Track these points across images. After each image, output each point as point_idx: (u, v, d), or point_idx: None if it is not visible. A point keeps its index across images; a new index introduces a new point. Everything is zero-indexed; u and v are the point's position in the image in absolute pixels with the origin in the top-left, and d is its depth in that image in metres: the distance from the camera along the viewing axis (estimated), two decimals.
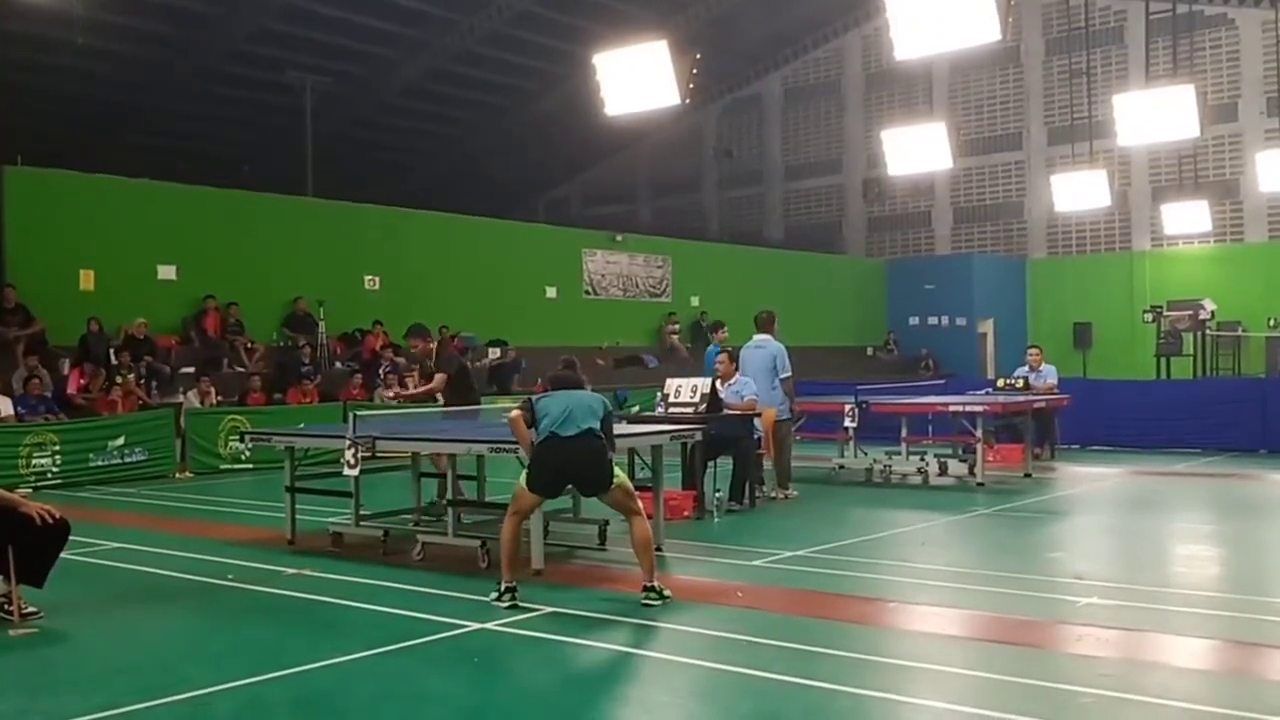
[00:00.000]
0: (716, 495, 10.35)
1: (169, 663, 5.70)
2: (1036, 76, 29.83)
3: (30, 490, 11.79)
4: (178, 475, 14.66)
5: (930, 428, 14.49)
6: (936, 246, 31.70)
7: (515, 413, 6.89)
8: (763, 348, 11.50)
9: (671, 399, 10.66)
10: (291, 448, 9.53)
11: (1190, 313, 23.78)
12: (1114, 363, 26.70)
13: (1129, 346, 27.20)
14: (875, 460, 13.13)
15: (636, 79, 12.72)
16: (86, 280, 16.61)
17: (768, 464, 11.40)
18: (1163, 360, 23.79)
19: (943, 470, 13.04)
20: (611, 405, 7.14)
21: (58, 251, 16.35)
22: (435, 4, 24.44)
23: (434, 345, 11.44)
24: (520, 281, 22.42)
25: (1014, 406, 13.26)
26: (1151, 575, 7.92)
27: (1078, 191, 23.06)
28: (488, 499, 9.37)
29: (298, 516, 9.26)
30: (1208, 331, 24.23)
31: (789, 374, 11.40)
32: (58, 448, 13.73)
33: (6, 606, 6.35)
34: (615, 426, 7.21)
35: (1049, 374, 15.00)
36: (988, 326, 29.72)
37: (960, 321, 29.37)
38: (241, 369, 17.37)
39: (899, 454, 13.24)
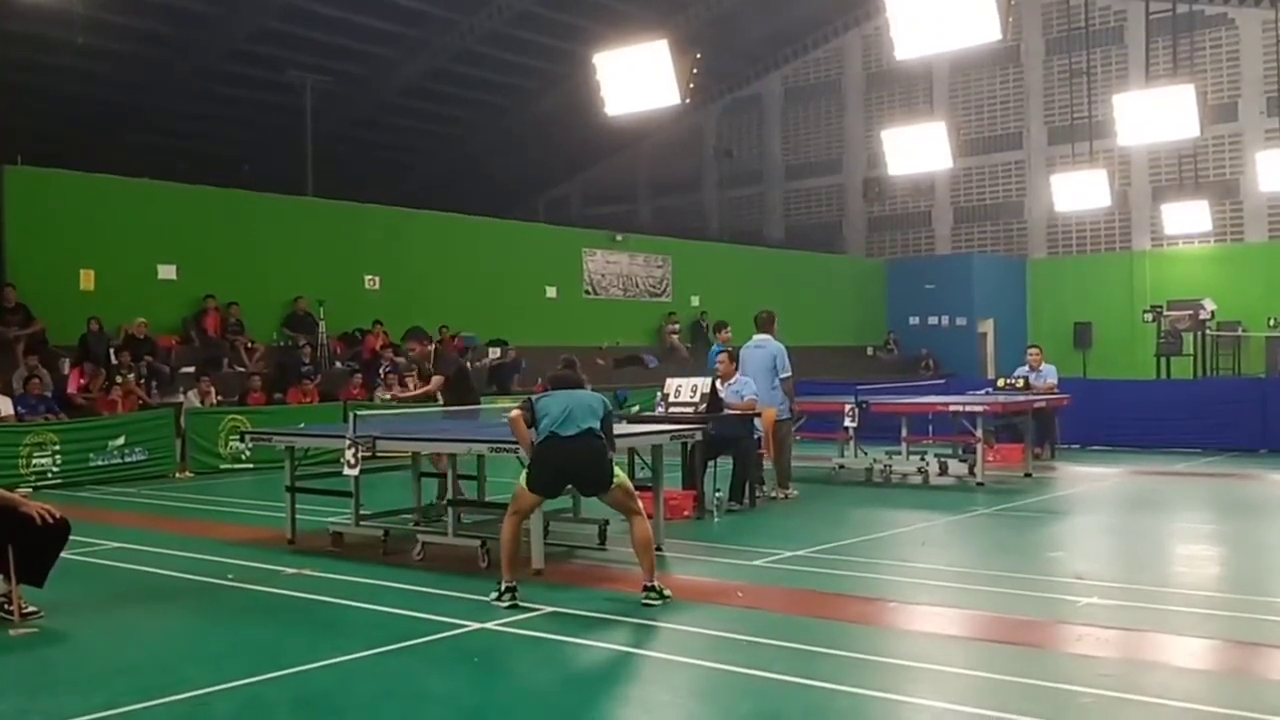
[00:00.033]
0: (716, 495, 10.35)
1: (169, 662, 5.70)
2: (1036, 76, 29.83)
3: (30, 490, 11.80)
4: (178, 475, 14.67)
5: (930, 428, 14.50)
6: (936, 246, 31.70)
7: (515, 412, 6.89)
8: (763, 347, 11.50)
9: (671, 399, 10.66)
10: (291, 447, 9.53)
11: (1190, 313, 23.78)
12: (1114, 363, 26.71)
13: (1129, 346, 27.20)
14: (875, 460, 13.13)
15: (636, 79, 12.72)
16: (86, 280, 16.62)
17: (768, 464, 11.40)
18: (1163, 360, 23.80)
19: (943, 470, 13.04)
20: (611, 405, 7.14)
21: (58, 251, 16.35)
22: (435, 4, 24.44)
23: (432, 348, 11.45)
24: (520, 281, 22.42)
25: (1014, 406, 13.26)
26: (1151, 575, 7.92)
27: (1078, 191, 23.06)
28: (488, 499, 9.37)
29: (298, 516, 9.27)
30: (1208, 331, 24.24)
31: (789, 374, 11.40)
32: (58, 447, 13.73)
33: (6, 606, 6.35)
34: (615, 426, 7.21)
35: (1049, 374, 15.00)
36: (988, 326, 29.72)
37: (960, 321, 29.36)
38: (242, 369, 17.37)
39: (899, 454, 13.24)
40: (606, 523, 8.53)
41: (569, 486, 7.25)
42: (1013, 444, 13.90)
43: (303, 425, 12.61)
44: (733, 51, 30.59)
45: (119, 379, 15.20)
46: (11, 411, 13.97)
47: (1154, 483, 13.09)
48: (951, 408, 13.10)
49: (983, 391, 14.75)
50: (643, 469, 9.48)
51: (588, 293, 24.01)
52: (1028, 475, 12.97)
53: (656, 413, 10.99)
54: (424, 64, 26.33)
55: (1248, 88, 27.04)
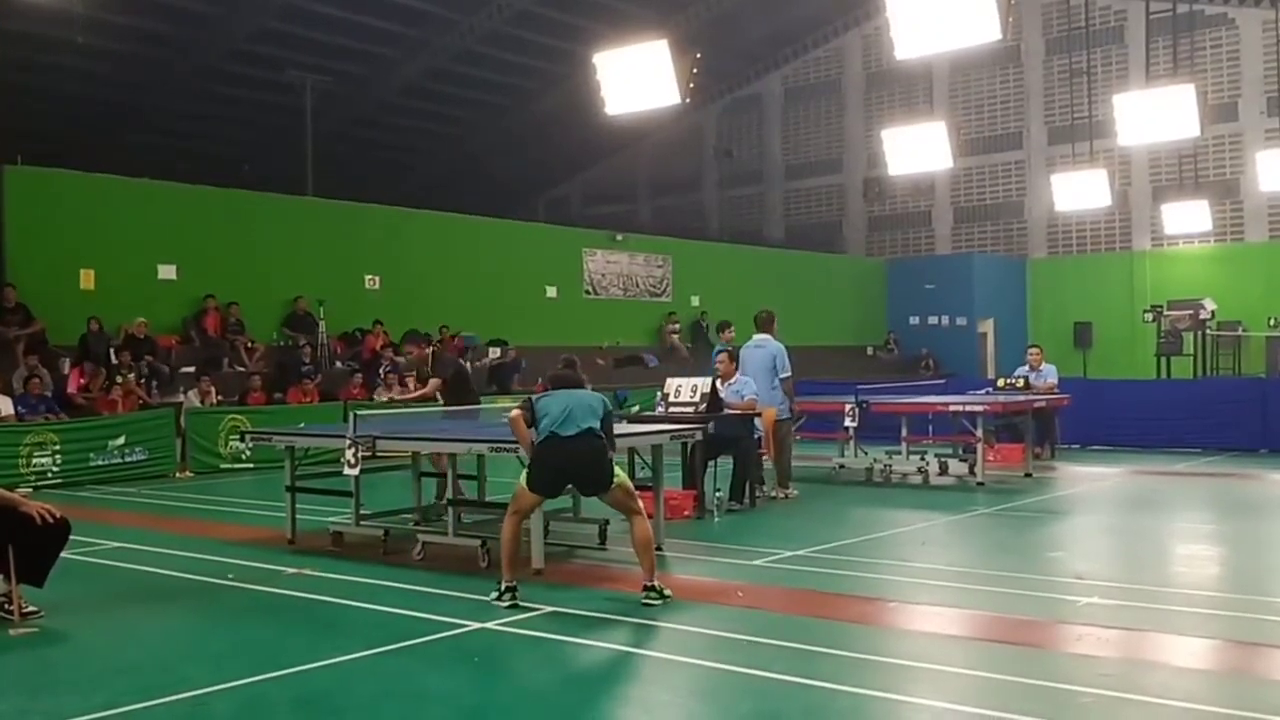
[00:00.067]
0: (717, 495, 10.35)
1: (169, 662, 5.70)
2: (1037, 76, 29.83)
3: (30, 490, 11.81)
4: (178, 475, 14.67)
5: (930, 427, 14.50)
6: (937, 246, 31.69)
7: (515, 412, 6.89)
8: (762, 347, 11.50)
9: (671, 399, 10.66)
10: (292, 447, 9.53)
11: (1190, 312, 23.78)
12: (1114, 362, 26.70)
13: (1129, 346, 27.20)
14: (875, 460, 13.13)
15: (636, 78, 12.71)
16: (86, 280, 16.62)
17: (768, 463, 11.40)
18: (1163, 360, 23.79)
19: (943, 470, 13.04)
20: (611, 405, 7.14)
21: (58, 251, 16.35)
22: (435, 3, 24.45)
23: (430, 350, 11.46)
24: (520, 281, 22.42)
25: (1014, 406, 13.26)
26: (1152, 575, 7.92)
27: (1078, 191, 23.07)
28: (488, 499, 9.37)
29: (298, 516, 9.26)
30: (1208, 331, 24.23)
31: (789, 374, 11.40)
32: (58, 447, 13.73)
33: (7, 606, 6.35)
34: (615, 426, 7.21)
35: (1049, 373, 14.99)
36: (988, 326, 29.72)
37: (960, 321, 29.36)
38: (242, 368, 17.37)
39: (899, 454, 13.23)
40: (607, 522, 8.53)
41: (569, 486, 7.25)
42: (1013, 444, 13.89)
43: (303, 425, 12.60)
44: (733, 51, 30.59)
45: (119, 379, 15.20)
46: (11, 411, 13.97)
47: (1154, 482, 13.09)
48: (952, 408, 13.10)
49: (983, 391, 14.75)
50: (643, 469, 9.48)
51: (588, 293, 24.01)
52: (1028, 475, 12.97)
53: (656, 412, 10.99)
54: (424, 64, 26.34)
55: (1248, 87, 27.04)
